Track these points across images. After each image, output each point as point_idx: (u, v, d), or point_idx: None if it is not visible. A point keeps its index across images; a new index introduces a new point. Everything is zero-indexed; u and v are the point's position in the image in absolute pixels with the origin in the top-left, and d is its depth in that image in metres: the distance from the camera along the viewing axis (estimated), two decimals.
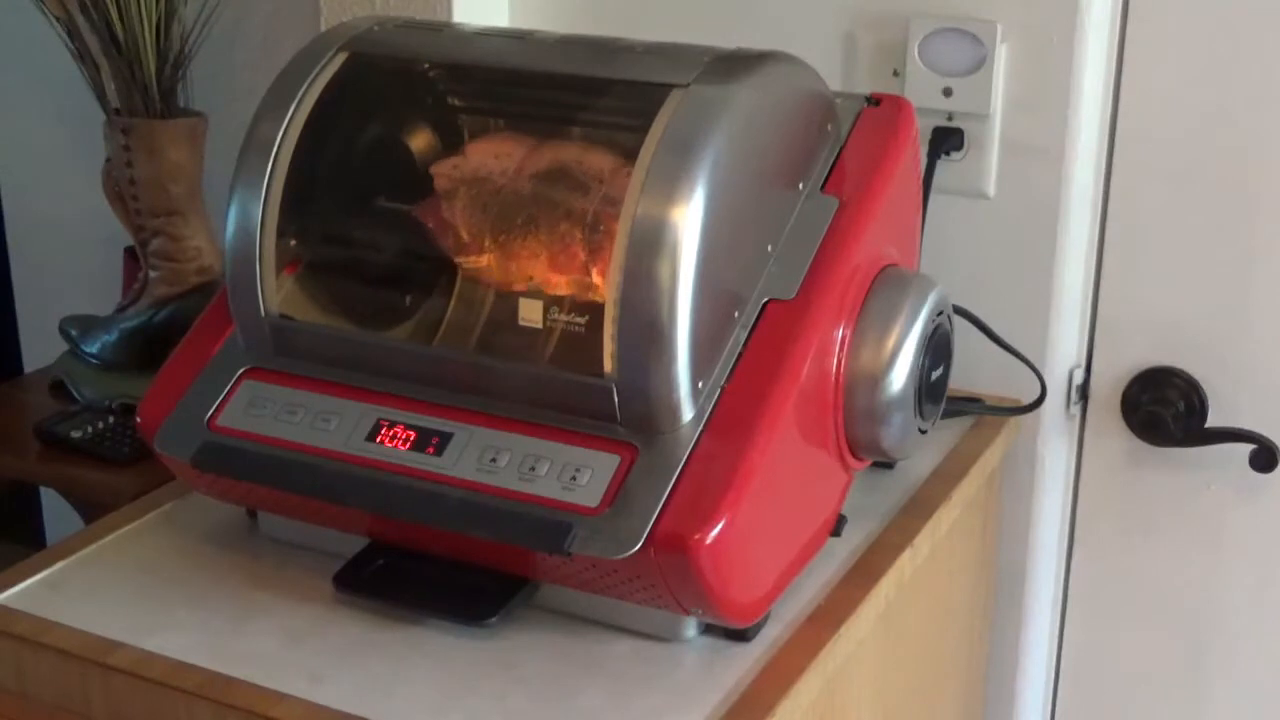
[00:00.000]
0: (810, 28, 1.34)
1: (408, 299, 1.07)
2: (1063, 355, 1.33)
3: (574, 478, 0.91)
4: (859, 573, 1.03)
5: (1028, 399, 1.28)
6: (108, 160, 1.64)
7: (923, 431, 1.04)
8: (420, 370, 0.99)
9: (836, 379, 0.98)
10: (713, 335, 0.92)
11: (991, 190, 1.31)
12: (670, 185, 0.89)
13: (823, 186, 1.01)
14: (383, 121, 1.11)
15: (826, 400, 0.97)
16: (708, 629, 0.96)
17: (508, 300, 1.01)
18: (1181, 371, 1.30)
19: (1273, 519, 1.31)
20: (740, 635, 0.95)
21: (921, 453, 1.17)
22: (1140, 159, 1.27)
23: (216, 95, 1.66)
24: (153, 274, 1.64)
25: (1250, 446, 1.27)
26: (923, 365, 1.01)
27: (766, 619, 0.96)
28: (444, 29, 1.17)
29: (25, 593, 1.02)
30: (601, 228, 0.97)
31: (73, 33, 1.60)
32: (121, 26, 1.53)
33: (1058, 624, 1.42)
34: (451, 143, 1.11)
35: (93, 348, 1.62)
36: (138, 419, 1.05)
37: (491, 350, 1.05)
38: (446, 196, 1.05)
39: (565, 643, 0.96)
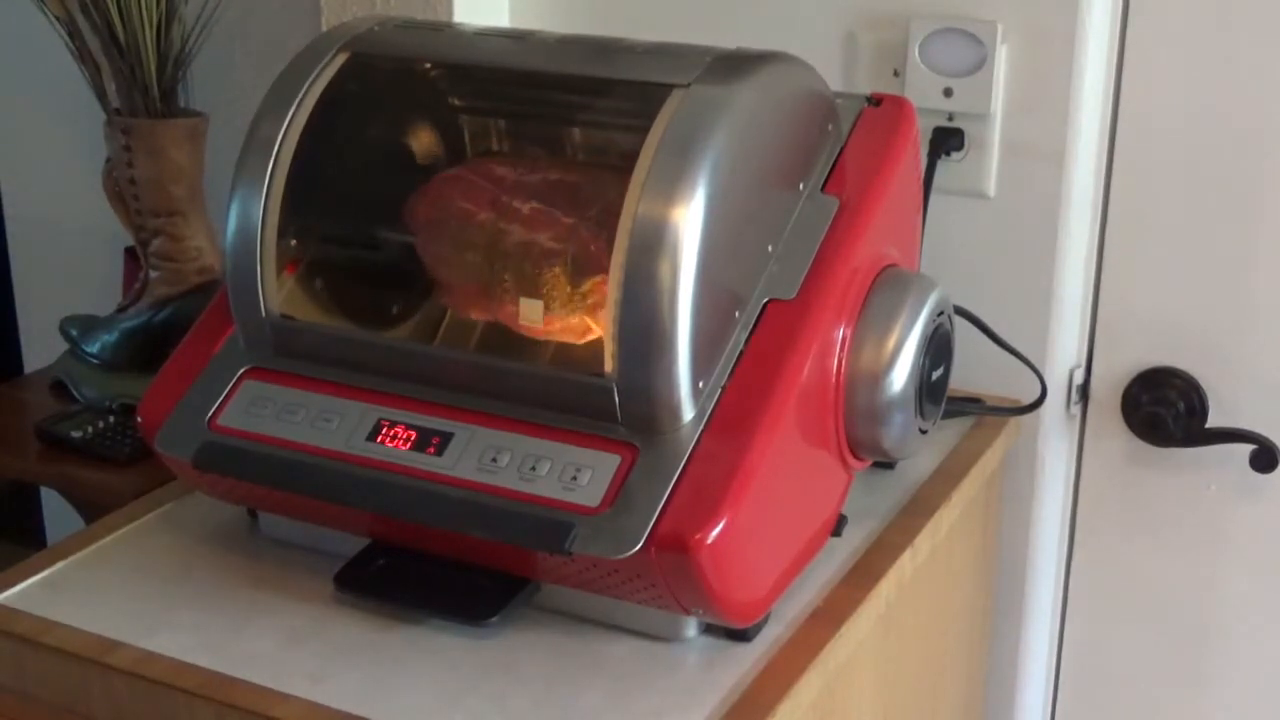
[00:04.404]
0: (810, 28, 1.34)
1: (408, 299, 1.07)
2: (1063, 355, 1.33)
3: (575, 477, 0.91)
4: (859, 573, 1.03)
5: (1028, 399, 1.28)
6: (108, 160, 1.64)
7: (923, 431, 1.04)
8: (421, 370, 0.99)
9: (837, 379, 0.98)
10: (713, 335, 0.92)
11: (991, 190, 1.31)
12: (671, 185, 0.89)
13: (823, 186, 1.02)
14: (383, 121, 1.11)
15: (827, 400, 0.97)
16: (708, 629, 0.96)
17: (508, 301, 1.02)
18: (1181, 371, 1.30)
19: (1273, 519, 1.31)
20: (740, 635, 0.95)
21: (922, 453, 1.17)
22: (1140, 159, 1.27)
23: (216, 95, 1.66)
24: (153, 274, 1.64)
25: (1250, 446, 1.27)
26: (923, 365, 1.01)
27: (767, 619, 0.96)
28: (444, 29, 1.17)
29: (25, 593, 1.02)
30: (599, 288, 0.97)
31: (73, 33, 1.60)
32: (122, 26, 1.53)
33: (1058, 624, 1.42)
34: (452, 142, 1.11)
35: (93, 348, 1.62)
36: (138, 419, 1.05)
37: (492, 350, 1.05)
38: (441, 236, 1.05)
39: (565, 643, 0.96)
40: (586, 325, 0.99)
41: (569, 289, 0.99)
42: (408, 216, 1.06)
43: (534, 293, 1.00)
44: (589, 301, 0.98)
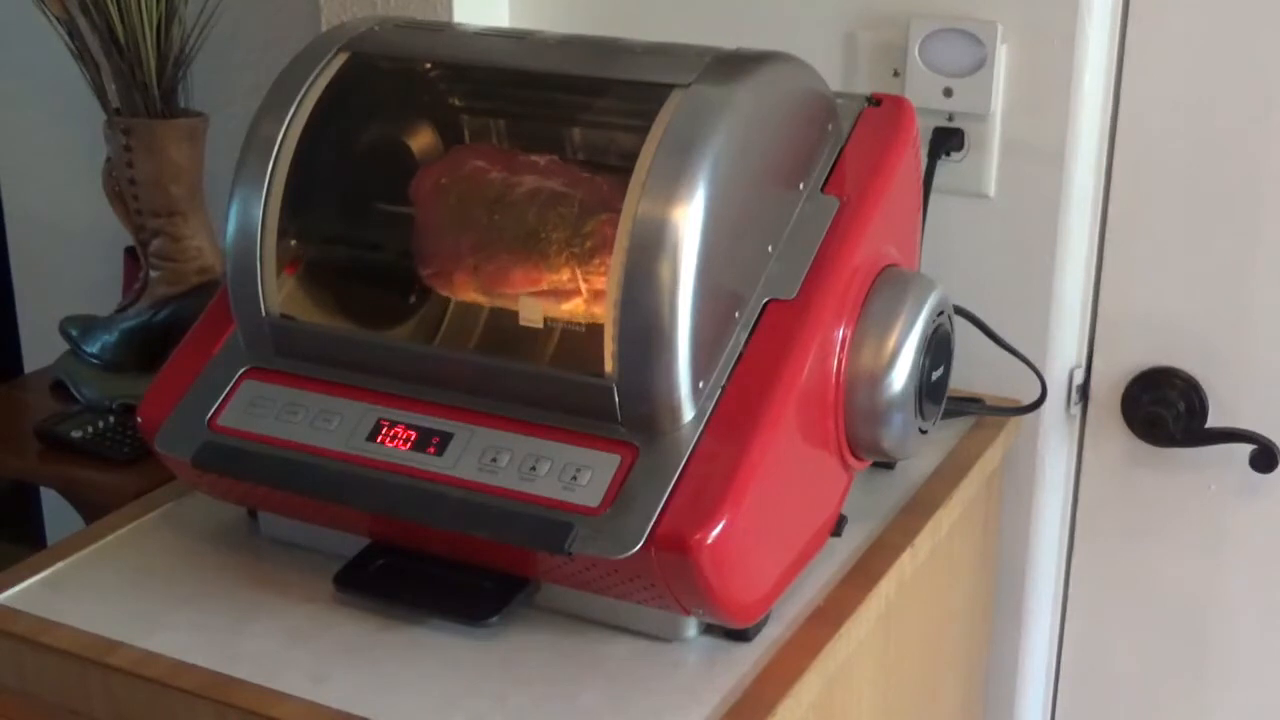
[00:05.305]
0: (810, 28, 1.34)
1: (408, 299, 1.07)
2: (1063, 355, 1.33)
3: (575, 478, 0.91)
4: (859, 573, 1.03)
5: (1028, 399, 1.28)
6: (108, 160, 1.64)
7: (923, 431, 1.04)
8: (421, 370, 0.99)
9: (837, 379, 0.98)
10: (713, 335, 0.92)
11: (991, 190, 1.31)
12: (671, 185, 0.89)
13: (823, 186, 1.02)
14: (383, 122, 1.11)
15: (827, 400, 0.97)
16: (708, 629, 0.96)
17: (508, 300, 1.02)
18: (1181, 371, 1.30)
19: (1273, 519, 1.31)
20: (740, 635, 0.95)
21: (922, 453, 1.17)
22: (1140, 159, 1.27)
23: (216, 95, 1.66)
24: (153, 274, 1.64)
25: (1250, 446, 1.27)
26: (923, 365, 1.01)
27: (767, 619, 0.96)
28: (444, 29, 1.17)
29: (25, 593, 1.02)
30: (598, 266, 0.97)
31: (73, 33, 1.60)
32: (122, 26, 1.53)
33: (1058, 624, 1.42)
34: (452, 143, 1.11)
35: (93, 348, 1.62)
36: (138, 419, 1.05)
37: (492, 350, 1.05)
38: (446, 197, 1.05)
39: (565, 643, 0.96)
40: (582, 284, 0.98)
41: (570, 232, 0.98)
42: (415, 188, 1.06)
43: (536, 237, 1.00)
44: (589, 245, 0.97)
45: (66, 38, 1.61)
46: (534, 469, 0.92)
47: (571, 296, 0.99)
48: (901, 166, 1.05)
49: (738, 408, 0.91)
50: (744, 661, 0.94)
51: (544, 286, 0.99)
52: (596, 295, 0.97)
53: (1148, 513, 1.35)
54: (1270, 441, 1.26)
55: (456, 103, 1.13)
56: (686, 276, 0.88)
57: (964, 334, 1.15)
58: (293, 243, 1.03)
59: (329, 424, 0.99)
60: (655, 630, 0.96)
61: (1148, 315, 1.30)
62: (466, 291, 1.04)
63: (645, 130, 0.92)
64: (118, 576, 1.04)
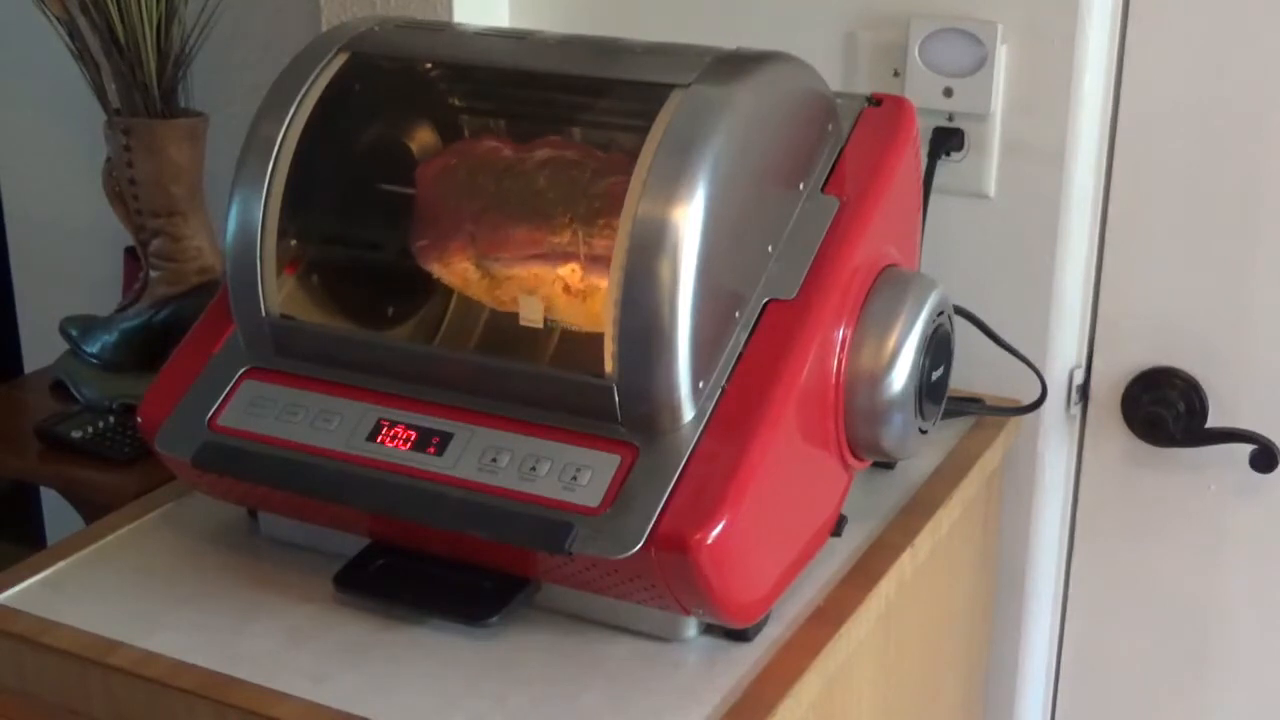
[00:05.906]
0: (810, 28, 1.34)
1: (409, 298, 1.08)
2: (1063, 355, 1.33)
3: (575, 478, 0.91)
4: (859, 573, 1.03)
5: (1028, 399, 1.28)
6: (108, 160, 1.64)
7: (923, 431, 1.04)
8: (421, 370, 0.99)
9: (837, 379, 0.98)
10: (713, 335, 0.92)
11: (991, 190, 1.31)
12: (671, 186, 0.89)
13: (823, 186, 1.02)
14: (383, 122, 1.11)
15: (827, 400, 0.97)
16: (708, 629, 0.96)
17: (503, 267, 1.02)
18: (1181, 371, 1.30)
19: (1273, 519, 1.31)
20: (740, 635, 0.95)
21: (922, 453, 1.17)
22: (1140, 159, 1.27)
23: (216, 95, 1.66)
24: (153, 274, 1.64)
25: (1250, 446, 1.27)
26: (923, 365, 1.01)
27: (767, 619, 0.96)
28: (444, 29, 1.17)
29: (25, 593, 1.02)
30: (602, 228, 0.97)
31: (73, 33, 1.60)
32: (122, 26, 1.53)
33: (1058, 624, 1.42)
34: (452, 143, 1.11)
35: (93, 348, 1.62)
36: (138, 419, 1.05)
37: (492, 350, 1.05)
38: (454, 175, 1.05)
39: (565, 643, 0.96)
40: (582, 248, 0.98)
41: (578, 194, 0.98)
42: (422, 172, 1.06)
43: (543, 198, 1.00)
44: (596, 205, 0.97)
45: (66, 38, 1.61)
46: (534, 469, 0.92)
47: (570, 260, 0.98)
48: (901, 166, 1.05)
49: (738, 408, 0.91)
50: (744, 661, 0.94)
51: (543, 250, 0.99)
52: (596, 261, 0.97)
53: (1148, 513, 1.35)
54: (1270, 441, 1.26)
55: (457, 103, 1.13)
56: (686, 276, 0.88)
57: (964, 334, 1.15)
58: (293, 243, 1.03)
59: (329, 424, 0.99)
60: (655, 630, 0.96)
61: (1148, 315, 1.30)
62: (460, 262, 1.03)
63: (645, 130, 0.92)
64: (118, 576, 1.04)
